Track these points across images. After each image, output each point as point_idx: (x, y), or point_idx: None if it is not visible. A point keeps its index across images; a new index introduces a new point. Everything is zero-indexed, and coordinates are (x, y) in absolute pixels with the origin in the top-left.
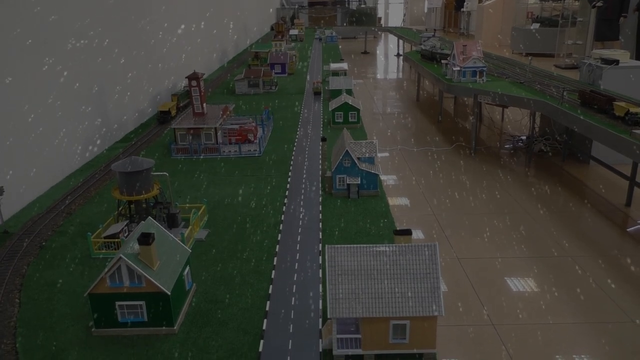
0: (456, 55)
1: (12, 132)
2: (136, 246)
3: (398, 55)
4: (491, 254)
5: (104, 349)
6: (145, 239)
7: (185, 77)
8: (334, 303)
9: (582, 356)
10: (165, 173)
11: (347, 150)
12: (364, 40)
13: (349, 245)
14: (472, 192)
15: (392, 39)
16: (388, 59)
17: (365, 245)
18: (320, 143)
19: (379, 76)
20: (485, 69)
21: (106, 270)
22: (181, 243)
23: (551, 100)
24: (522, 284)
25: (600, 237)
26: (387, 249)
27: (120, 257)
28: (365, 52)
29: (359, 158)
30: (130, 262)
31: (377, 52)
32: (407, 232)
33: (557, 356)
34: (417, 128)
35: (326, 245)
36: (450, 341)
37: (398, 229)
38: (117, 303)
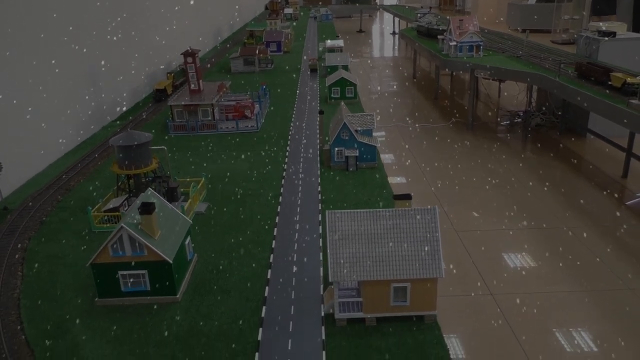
0: (453, 30)
1: (8, 111)
2: (137, 216)
3: (394, 33)
4: (489, 226)
5: (107, 318)
6: (146, 209)
7: (181, 54)
8: (335, 267)
9: (580, 323)
10: (163, 147)
11: (345, 122)
12: (359, 19)
13: (349, 210)
14: (470, 166)
15: (388, 18)
16: (384, 37)
17: (365, 210)
18: (318, 116)
19: (375, 54)
20: (482, 43)
21: (108, 240)
22: (182, 214)
23: (548, 73)
24: (519, 255)
25: (597, 208)
26: (387, 213)
27: (122, 227)
28: (360, 31)
29: (357, 130)
30: (132, 231)
31: (373, 30)
32: (407, 197)
33: (555, 323)
34: (413, 105)
35: (326, 211)
36: (449, 311)
37: (398, 194)
38: (120, 272)
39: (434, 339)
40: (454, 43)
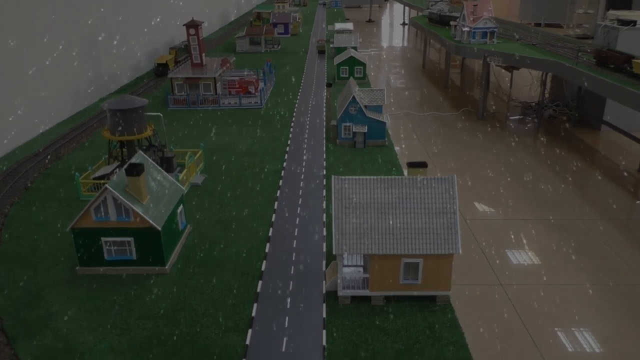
0: (466, 16)
1: (2, 78)
2: (124, 178)
3: (404, 24)
4: (499, 215)
5: (87, 288)
6: (134, 170)
7: (183, 25)
8: (340, 239)
9: (593, 317)
10: (159, 114)
11: (354, 96)
12: (368, 10)
13: (357, 177)
14: (479, 155)
15: (397, 9)
16: (393, 28)
17: (375, 177)
18: (325, 90)
19: (384, 44)
20: (496, 29)
21: (91, 202)
22: (175, 181)
23: (565, 60)
24: (530, 246)
25: (612, 201)
26: (400, 181)
27: (106, 188)
28: (370, 21)
29: (365, 106)
30: (117, 193)
31: (382, 20)
32: (422, 165)
33: (566, 316)
34: (423, 95)
35: (333, 176)
36: (458, 301)
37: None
38: (103, 239)
39: (447, 321)
40: (467, 29)
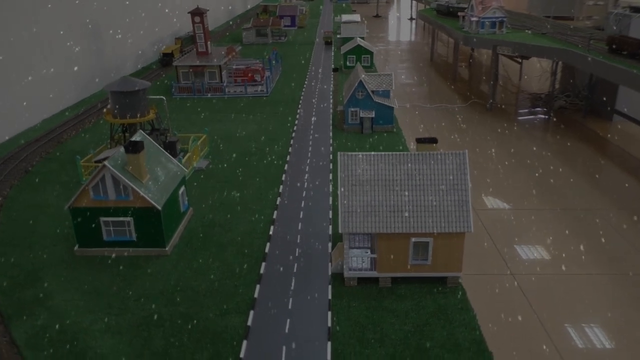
0: (474, 6)
1: (7, 66)
2: (124, 156)
3: (411, 18)
4: (509, 205)
5: (85, 269)
6: (134, 148)
7: (188, 12)
8: (346, 217)
9: (604, 307)
10: (162, 97)
11: (360, 80)
12: (375, 5)
13: (364, 153)
14: (488, 145)
15: (404, 4)
16: (401, 23)
17: (382, 152)
18: (332, 75)
19: (392, 39)
20: (505, 19)
21: (89, 180)
22: (176, 161)
23: (576, 48)
24: (541, 236)
25: (624, 191)
26: (409, 156)
27: (105, 166)
28: (377, 16)
29: (373, 91)
30: (115, 171)
31: (390, 16)
32: (433, 140)
33: (578, 306)
34: (431, 87)
35: (338, 153)
36: (471, 290)
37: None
38: (102, 219)
39: (458, 303)
40: (476, 19)
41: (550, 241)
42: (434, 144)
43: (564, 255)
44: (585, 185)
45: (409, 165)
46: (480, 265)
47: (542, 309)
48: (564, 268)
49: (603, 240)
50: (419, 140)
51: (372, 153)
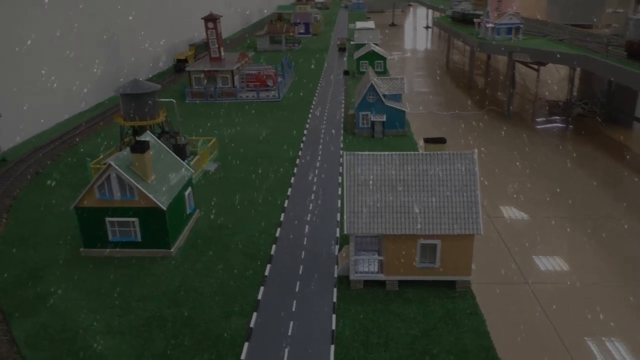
0: (490, 12)
1: (23, 70)
2: (129, 156)
3: (427, 27)
4: (525, 213)
5: (90, 269)
6: (139, 147)
7: (201, 18)
8: (352, 218)
9: (625, 319)
10: (172, 100)
11: (372, 84)
12: (391, 14)
13: (370, 153)
14: (505, 153)
15: (420, 13)
16: (416, 31)
17: (389, 152)
18: (343, 77)
19: (408, 47)
20: (521, 25)
21: (95, 180)
22: (183, 163)
23: (595, 54)
24: (558, 244)
25: None
26: (417, 157)
27: (110, 165)
28: (393, 25)
29: (384, 95)
30: (121, 171)
31: (405, 24)
32: (441, 140)
33: (597, 318)
34: (446, 94)
35: (344, 152)
36: (484, 298)
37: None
38: (107, 219)
39: (468, 307)
40: (491, 25)
41: (567, 249)
42: (443, 144)
43: (582, 264)
44: (604, 193)
45: (417, 165)
46: (493, 274)
47: (559, 319)
48: (582, 277)
49: (623, 249)
50: (428, 140)
51: (379, 152)
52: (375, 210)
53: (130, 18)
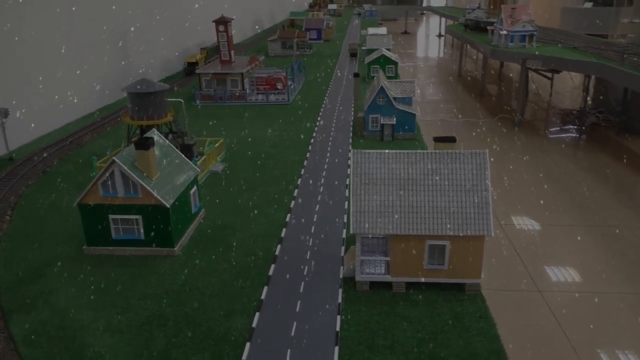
0: (504, 20)
1: (33, 70)
2: (133, 152)
3: (440, 35)
4: (538, 222)
5: (92, 267)
6: (144, 144)
7: (212, 21)
8: (358, 217)
9: (636, 328)
10: (180, 100)
11: (382, 86)
12: (404, 22)
13: (379, 151)
14: (517, 160)
15: (433, 21)
16: (429, 39)
17: (397, 151)
18: (353, 79)
19: (420, 55)
20: (535, 33)
21: (98, 176)
22: (188, 161)
23: (610, 62)
24: (572, 253)
25: None
26: (426, 155)
27: (114, 161)
28: (405, 32)
29: (394, 98)
30: (124, 167)
31: (418, 33)
32: (451, 139)
33: (611, 328)
34: (458, 102)
35: (352, 150)
36: (494, 304)
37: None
38: (111, 217)
39: (477, 311)
40: (505, 32)
41: (581, 258)
42: (453, 143)
43: (595, 273)
44: (618, 202)
45: (426, 164)
46: (505, 281)
47: (572, 328)
48: (595, 286)
49: (636, 258)
50: (437, 139)
51: (387, 151)
52: (383, 210)
53: (143, 20)
